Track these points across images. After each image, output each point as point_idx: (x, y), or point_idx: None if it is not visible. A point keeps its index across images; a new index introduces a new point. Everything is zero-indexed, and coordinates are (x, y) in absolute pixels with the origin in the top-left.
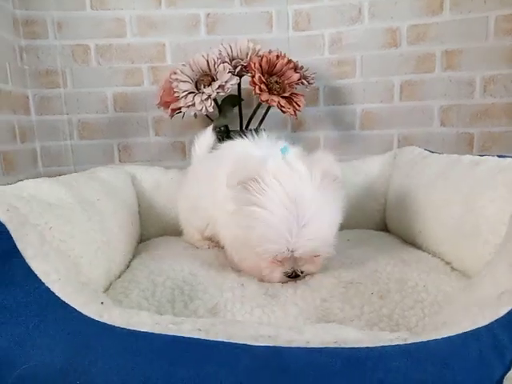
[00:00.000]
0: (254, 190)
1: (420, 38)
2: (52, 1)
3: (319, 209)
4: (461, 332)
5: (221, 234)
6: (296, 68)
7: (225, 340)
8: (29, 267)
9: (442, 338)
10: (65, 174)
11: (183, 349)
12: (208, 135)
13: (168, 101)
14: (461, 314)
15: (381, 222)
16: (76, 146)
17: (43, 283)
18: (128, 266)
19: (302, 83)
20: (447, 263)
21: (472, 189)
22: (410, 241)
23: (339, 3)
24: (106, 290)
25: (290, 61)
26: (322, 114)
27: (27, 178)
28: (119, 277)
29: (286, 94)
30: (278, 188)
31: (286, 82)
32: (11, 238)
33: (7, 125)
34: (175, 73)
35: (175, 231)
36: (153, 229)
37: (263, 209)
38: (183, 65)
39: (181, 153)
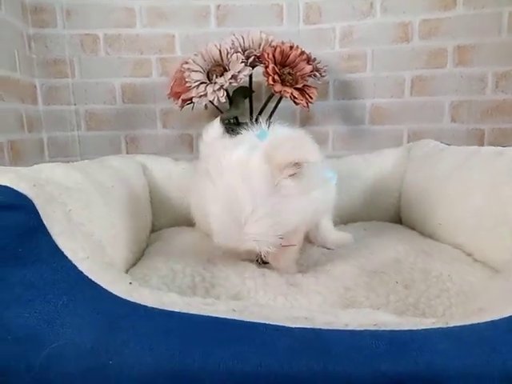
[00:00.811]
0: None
1: (432, 33)
2: None
3: (262, 208)
4: (506, 316)
5: None
6: (309, 60)
7: (261, 321)
8: (56, 244)
9: (485, 322)
10: None
11: (219, 329)
12: (216, 126)
13: (179, 91)
14: (500, 301)
15: (395, 215)
16: (83, 137)
17: (70, 261)
18: (143, 254)
19: (315, 75)
20: (468, 255)
21: (495, 179)
22: (427, 233)
23: None
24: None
25: (302, 52)
26: (332, 109)
27: None
28: (134, 264)
29: (299, 86)
30: (222, 187)
31: (298, 73)
32: (38, 214)
33: (15, 113)
34: (187, 62)
35: (187, 221)
36: (164, 219)
37: (212, 204)
38: (195, 54)
39: (188, 146)
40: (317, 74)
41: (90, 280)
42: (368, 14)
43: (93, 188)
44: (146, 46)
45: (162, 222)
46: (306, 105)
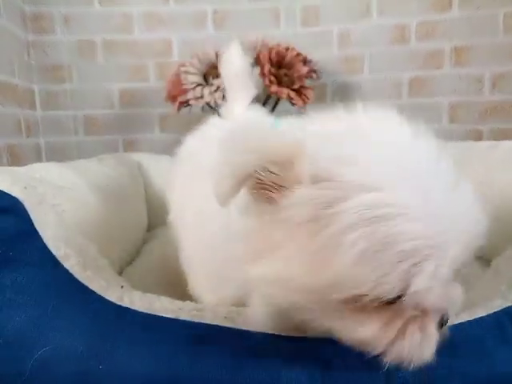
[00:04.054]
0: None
1: (429, 35)
2: None
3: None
4: (492, 312)
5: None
6: (305, 61)
7: (251, 330)
8: (47, 248)
9: (474, 320)
10: None
11: (209, 336)
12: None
13: (176, 94)
14: (488, 296)
15: None
16: (81, 142)
17: (62, 265)
18: (138, 253)
19: (311, 76)
20: None
21: (489, 169)
22: None
23: None
24: (119, 275)
25: (299, 54)
26: (329, 111)
27: None
28: (130, 263)
29: (296, 87)
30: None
31: (295, 74)
32: (29, 217)
33: (13, 118)
34: (184, 65)
35: None
36: (161, 217)
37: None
38: (191, 57)
39: None
40: (313, 75)
41: (81, 284)
42: (365, 16)
43: (87, 187)
44: (144, 51)
45: (158, 219)
46: (302, 105)
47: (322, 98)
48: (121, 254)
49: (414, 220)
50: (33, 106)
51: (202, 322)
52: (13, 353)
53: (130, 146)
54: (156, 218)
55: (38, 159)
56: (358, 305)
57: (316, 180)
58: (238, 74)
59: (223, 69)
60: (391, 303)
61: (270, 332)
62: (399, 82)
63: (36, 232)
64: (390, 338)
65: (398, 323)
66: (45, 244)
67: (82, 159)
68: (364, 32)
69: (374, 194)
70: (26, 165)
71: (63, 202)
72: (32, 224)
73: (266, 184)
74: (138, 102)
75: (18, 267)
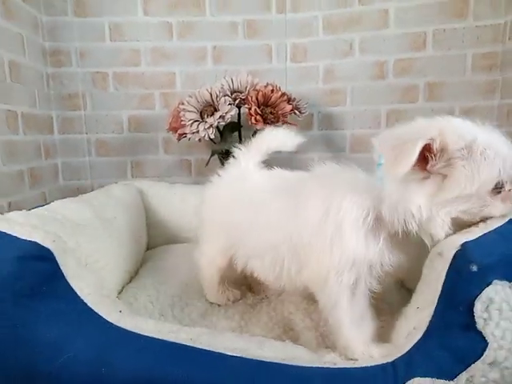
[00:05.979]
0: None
1: (405, 71)
2: (76, 33)
3: None
4: (374, 364)
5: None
6: (289, 100)
7: (207, 348)
8: (69, 284)
9: (360, 367)
10: (83, 187)
11: (178, 352)
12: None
13: (176, 126)
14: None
15: None
16: (94, 162)
17: (79, 296)
18: (137, 273)
19: (295, 113)
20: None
21: None
22: None
23: (333, 38)
24: (120, 292)
25: (283, 94)
26: (316, 138)
27: (50, 191)
28: (130, 281)
29: (279, 124)
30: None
31: (279, 112)
32: (57, 262)
33: (34, 143)
34: (183, 103)
35: (179, 239)
36: (159, 238)
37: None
38: (190, 96)
39: (186, 169)
40: (296, 111)
41: (92, 310)
42: (348, 53)
43: (99, 223)
44: (150, 83)
45: (157, 240)
46: None
47: (309, 127)
48: (123, 276)
49: (504, 146)
50: (51, 131)
51: (175, 341)
52: (46, 356)
53: (137, 166)
54: (155, 238)
55: (56, 178)
56: (491, 193)
57: (464, 140)
58: (277, 148)
59: (273, 135)
60: (500, 190)
61: (221, 351)
62: (378, 113)
63: (62, 273)
64: (508, 207)
65: (509, 199)
66: (67, 281)
67: (93, 191)
68: (347, 68)
69: (486, 136)
70: (44, 184)
71: (79, 239)
72: (59, 267)
73: (433, 154)
74: (145, 127)
75: (49, 298)
